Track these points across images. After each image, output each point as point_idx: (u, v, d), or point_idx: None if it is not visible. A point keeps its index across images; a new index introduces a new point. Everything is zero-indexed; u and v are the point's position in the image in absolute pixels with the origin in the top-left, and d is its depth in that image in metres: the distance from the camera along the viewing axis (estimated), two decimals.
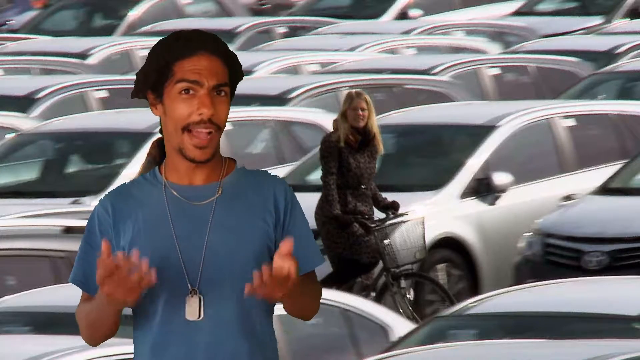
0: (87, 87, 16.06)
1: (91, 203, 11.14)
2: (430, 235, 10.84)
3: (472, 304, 6.41)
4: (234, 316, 1.66)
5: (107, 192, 1.76)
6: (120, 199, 1.71)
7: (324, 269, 9.49)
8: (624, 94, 15.51)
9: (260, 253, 1.69)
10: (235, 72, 1.71)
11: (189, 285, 1.64)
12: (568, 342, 5.70)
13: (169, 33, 1.77)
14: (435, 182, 11.83)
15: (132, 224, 1.68)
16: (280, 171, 11.72)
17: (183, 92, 1.65)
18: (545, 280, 7.49)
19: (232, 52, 1.71)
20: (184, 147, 1.66)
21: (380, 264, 10.43)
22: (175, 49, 1.67)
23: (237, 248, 1.67)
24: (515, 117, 12.29)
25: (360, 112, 10.36)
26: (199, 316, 1.64)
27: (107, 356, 4.99)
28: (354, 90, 11.08)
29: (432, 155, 12.85)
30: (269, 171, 1.82)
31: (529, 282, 8.32)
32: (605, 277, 9.36)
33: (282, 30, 22.74)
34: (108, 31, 24.92)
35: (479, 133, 12.15)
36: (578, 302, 6.40)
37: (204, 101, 1.64)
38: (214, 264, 1.65)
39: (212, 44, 1.68)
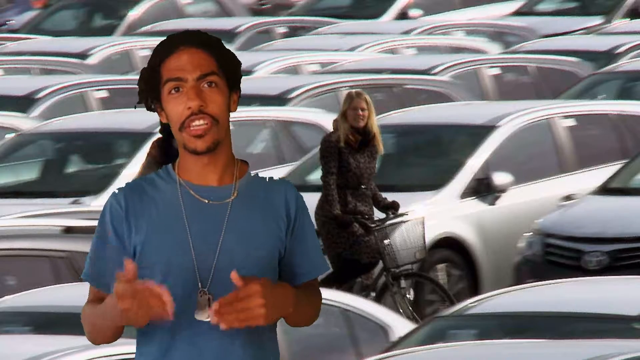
0: (87, 87, 16.07)
1: (91, 203, 11.16)
2: (430, 235, 10.84)
3: (472, 304, 6.41)
4: None
5: (116, 187, 1.76)
6: (133, 195, 1.70)
7: None
8: (624, 94, 15.51)
9: (272, 257, 1.69)
10: (226, 61, 1.70)
11: (199, 285, 1.64)
12: (568, 342, 5.70)
13: (169, 33, 1.78)
14: (435, 182, 11.84)
15: (145, 221, 1.67)
16: (280, 171, 11.73)
17: (173, 91, 1.66)
18: (545, 280, 7.49)
19: (218, 43, 1.70)
20: (185, 142, 1.66)
21: (380, 264, 10.42)
22: (158, 51, 1.69)
23: (251, 251, 1.67)
24: (515, 117, 12.29)
25: (360, 112, 10.36)
26: (209, 316, 1.62)
27: (107, 356, 4.99)
28: (354, 90, 11.08)
29: (432, 155, 12.86)
30: (280, 178, 1.82)
31: (529, 282, 8.32)
32: (605, 277, 9.36)
33: (282, 30, 22.74)
34: (108, 31, 24.93)
35: (479, 133, 12.16)
36: (578, 302, 6.40)
37: (190, 94, 1.64)
38: (226, 266, 1.64)
39: (192, 38, 1.68)
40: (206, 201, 1.68)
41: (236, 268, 1.62)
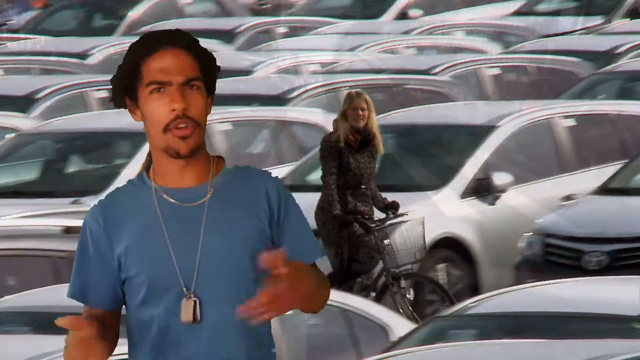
0: (87, 87, 16.08)
1: (91, 203, 11.14)
2: (430, 235, 10.83)
3: (472, 304, 6.41)
4: (232, 318, 1.62)
5: (97, 201, 1.74)
6: (110, 209, 1.68)
7: (324, 269, 9.48)
8: (624, 94, 15.49)
9: (256, 252, 1.64)
10: (207, 64, 1.67)
11: (183, 288, 1.61)
12: (568, 342, 5.70)
13: None
14: (435, 182, 11.83)
15: (125, 232, 1.65)
16: (281, 171, 11.71)
17: (154, 91, 1.63)
18: (545, 280, 7.48)
19: (200, 45, 1.67)
20: (168, 145, 1.63)
21: (380, 264, 10.42)
22: (140, 48, 1.65)
23: (233, 248, 1.64)
24: (515, 117, 12.28)
25: (360, 112, 10.36)
26: (194, 320, 1.61)
27: None
28: (354, 90, 11.08)
29: (432, 155, 12.85)
30: (258, 168, 1.78)
31: (529, 282, 8.32)
32: (605, 277, 9.36)
33: (282, 30, 22.73)
34: (108, 31, 24.93)
35: (479, 133, 12.15)
36: (578, 302, 6.40)
37: (174, 96, 1.61)
38: (209, 266, 1.62)
39: (176, 39, 1.65)
40: (182, 204, 1.65)
41: (219, 267, 1.63)
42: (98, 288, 1.66)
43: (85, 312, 1.68)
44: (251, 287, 1.65)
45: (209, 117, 1.71)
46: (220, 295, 1.63)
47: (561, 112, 12.66)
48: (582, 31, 21.79)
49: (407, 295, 10.44)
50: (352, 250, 10.23)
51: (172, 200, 1.65)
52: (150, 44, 1.64)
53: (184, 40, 1.65)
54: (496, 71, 16.77)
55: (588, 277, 9.33)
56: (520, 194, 11.84)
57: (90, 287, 1.66)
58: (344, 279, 10.22)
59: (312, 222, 9.83)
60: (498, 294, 6.73)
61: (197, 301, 1.61)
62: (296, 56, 18.13)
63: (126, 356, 1.73)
